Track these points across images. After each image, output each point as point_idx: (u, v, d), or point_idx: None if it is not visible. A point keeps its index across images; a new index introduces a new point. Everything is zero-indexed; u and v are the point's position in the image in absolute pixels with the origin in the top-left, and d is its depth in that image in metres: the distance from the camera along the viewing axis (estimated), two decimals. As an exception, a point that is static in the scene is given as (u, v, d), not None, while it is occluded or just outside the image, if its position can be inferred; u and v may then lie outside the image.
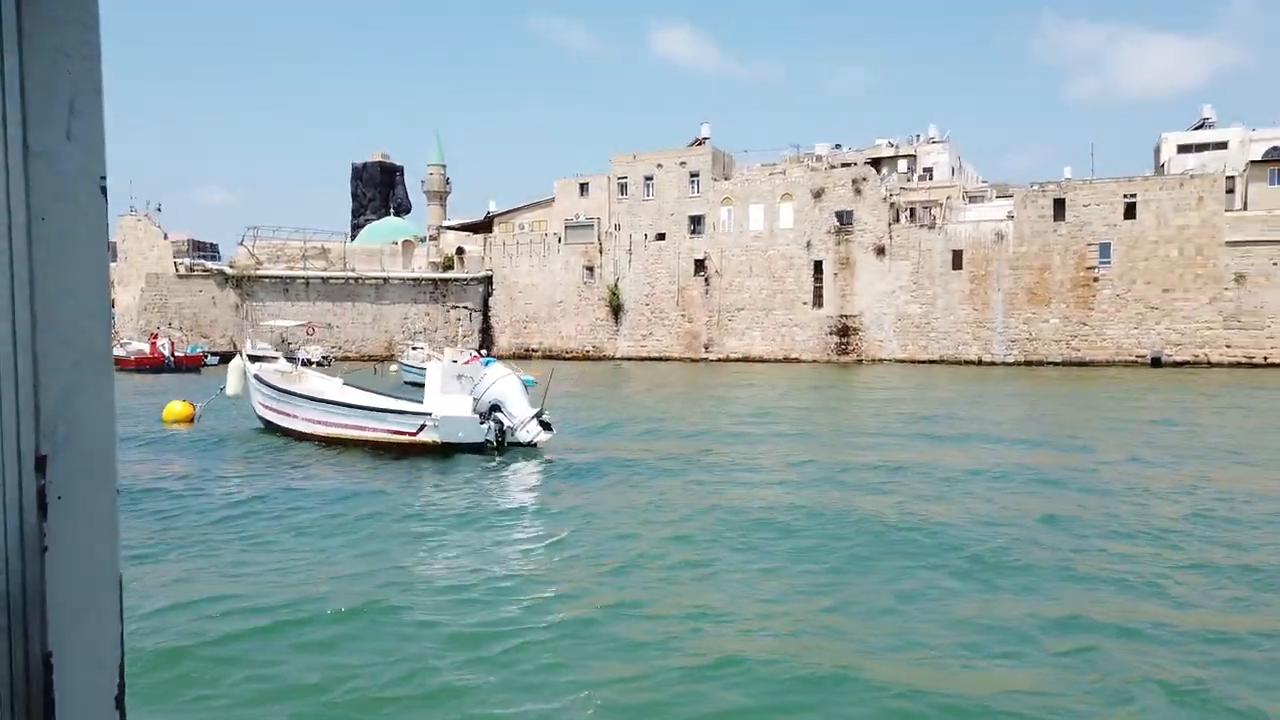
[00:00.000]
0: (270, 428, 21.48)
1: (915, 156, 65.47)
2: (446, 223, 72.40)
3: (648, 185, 61.29)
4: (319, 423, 19.56)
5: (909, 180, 60.73)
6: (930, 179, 62.72)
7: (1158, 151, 60.83)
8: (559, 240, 63.38)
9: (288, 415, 20.49)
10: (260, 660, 7.36)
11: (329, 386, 22.45)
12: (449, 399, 18.46)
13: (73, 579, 1.11)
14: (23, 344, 1.07)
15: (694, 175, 60.14)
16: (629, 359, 60.99)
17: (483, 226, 67.83)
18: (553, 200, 65.44)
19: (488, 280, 64.44)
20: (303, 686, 6.95)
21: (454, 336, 60.83)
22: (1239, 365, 47.29)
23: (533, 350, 63.44)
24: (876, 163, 63.80)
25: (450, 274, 64.06)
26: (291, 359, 24.74)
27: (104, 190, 1.12)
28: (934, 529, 12.28)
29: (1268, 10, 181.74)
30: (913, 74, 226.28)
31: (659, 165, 60.81)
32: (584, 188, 63.82)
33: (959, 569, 10.38)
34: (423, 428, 17.79)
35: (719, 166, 60.78)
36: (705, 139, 62.30)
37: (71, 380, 1.10)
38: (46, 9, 1.06)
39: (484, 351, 44.04)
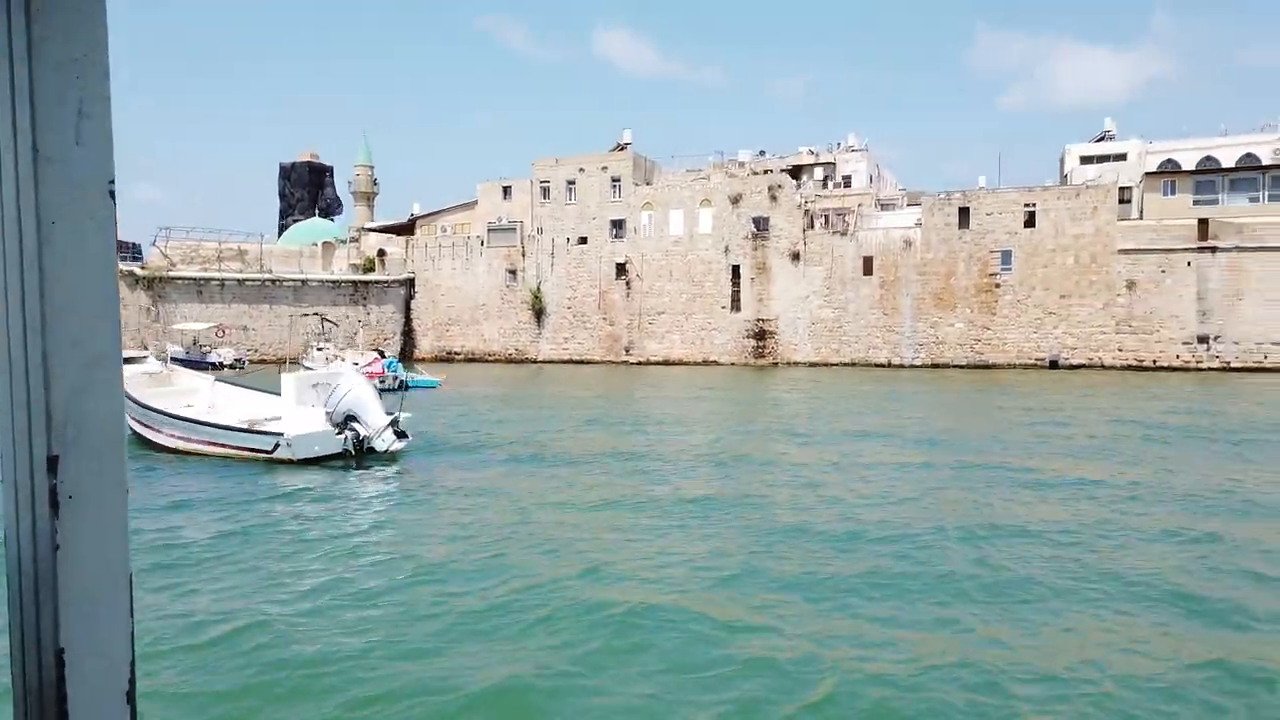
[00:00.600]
0: (138, 438, 21.31)
1: (835, 164, 66.93)
2: (369, 224, 71.71)
3: (570, 189, 61.61)
4: (180, 438, 19.51)
5: (824, 187, 62.04)
6: (849, 186, 64.18)
7: (1062, 162, 63.09)
8: (481, 243, 63.33)
9: (151, 429, 20.36)
10: None
11: (201, 385, 22.36)
12: (303, 411, 18.60)
13: (84, 576, 1.13)
14: (33, 345, 1.09)
15: (615, 180, 60.63)
16: (551, 362, 61.22)
17: (405, 229, 67.40)
18: (476, 203, 65.34)
19: (409, 283, 64.08)
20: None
21: (374, 339, 60.39)
22: (1130, 368, 49.38)
23: (455, 353, 63.27)
24: (798, 170, 65.04)
25: (371, 276, 63.54)
26: (161, 358, 24.48)
27: (112, 194, 1.14)
28: (755, 507, 13.02)
29: (1187, 26, 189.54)
30: (851, 81, 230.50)
31: (581, 170, 61.17)
32: (507, 191, 63.87)
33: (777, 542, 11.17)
34: (278, 446, 17.93)
35: (640, 172, 61.37)
36: (627, 144, 62.87)
37: (81, 381, 1.12)
38: (56, 17, 1.08)
39: (385, 354, 43.91)
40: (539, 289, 62.04)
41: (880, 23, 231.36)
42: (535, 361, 61.74)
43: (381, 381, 37.18)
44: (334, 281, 62.40)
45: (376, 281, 63.31)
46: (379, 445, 18.12)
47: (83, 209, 1.11)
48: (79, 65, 1.10)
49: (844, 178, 65.95)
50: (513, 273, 62.71)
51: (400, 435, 18.35)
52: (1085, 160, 60.75)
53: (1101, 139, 63.14)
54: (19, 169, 1.07)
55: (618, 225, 60.69)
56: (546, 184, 62.09)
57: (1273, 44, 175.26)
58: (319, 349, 42.31)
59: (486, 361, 62.11)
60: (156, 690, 7.13)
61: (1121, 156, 60.12)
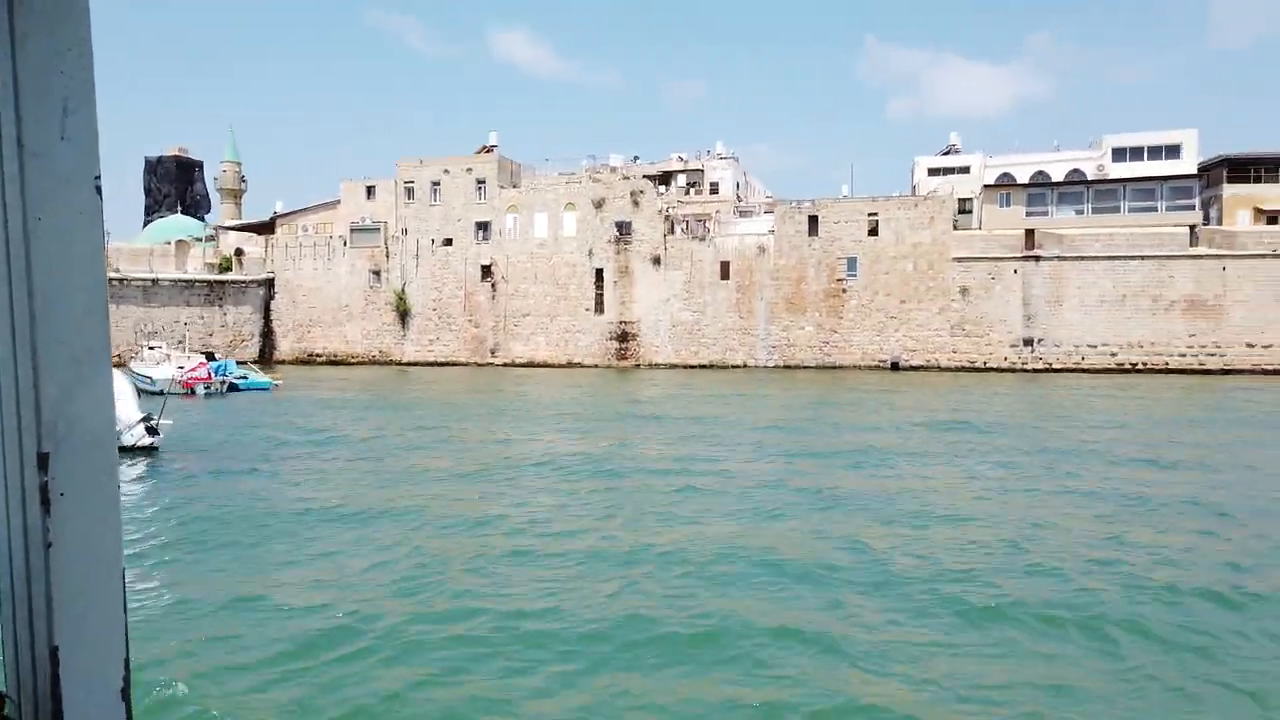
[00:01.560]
0: None
1: (703, 171, 68.50)
2: (228, 223, 69.64)
3: (435, 190, 61.30)
4: None
5: (688, 193, 63.50)
6: (716, 193, 65.83)
7: (912, 173, 66.30)
8: (344, 243, 62.34)
9: None
10: None
11: None
12: None
13: (77, 574, 1.11)
14: (22, 342, 1.07)
15: (481, 182, 60.66)
16: (416, 364, 60.71)
17: (266, 227, 65.73)
18: (338, 202, 64.28)
19: (269, 283, 62.51)
20: None
21: (230, 341, 58.69)
22: (963, 369, 52.30)
23: (316, 355, 62.06)
24: (668, 176, 66.35)
25: (228, 276, 61.74)
26: None
27: (99, 189, 1.13)
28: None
29: (1062, 46, 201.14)
30: (745, 88, 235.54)
31: (446, 171, 60.96)
32: (370, 190, 63.08)
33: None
34: None
35: (506, 174, 61.56)
36: (493, 146, 63.00)
37: (71, 377, 1.10)
38: (39, 11, 1.06)
39: (216, 356, 42.93)
40: (403, 290, 61.48)
41: (773, 31, 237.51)
42: (400, 364, 61.13)
43: (207, 388, 36.39)
44: (187, 281, 60.37)
45: (234, 282, 61.55)
46: (127, 439, 18.09)
47: (69, 204, 1.10)
48: (63, 60, 1.09)
49: (711, 184, 67.63)
50: (376, 273, 61.96)
51: (151, 431, 18.30)
52: (932, 172, 64.02)
53: (947, 152, 66.65)
54: (4, 164, 1.06)
55: (483, 227, 60.71)
56: (411, 184, 61.62)
57: (1134, 66, 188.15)
58: (151, 347, 41.04)
59: (349, 364, 61.11)
60: None
61: (965, 169, 63.66)
